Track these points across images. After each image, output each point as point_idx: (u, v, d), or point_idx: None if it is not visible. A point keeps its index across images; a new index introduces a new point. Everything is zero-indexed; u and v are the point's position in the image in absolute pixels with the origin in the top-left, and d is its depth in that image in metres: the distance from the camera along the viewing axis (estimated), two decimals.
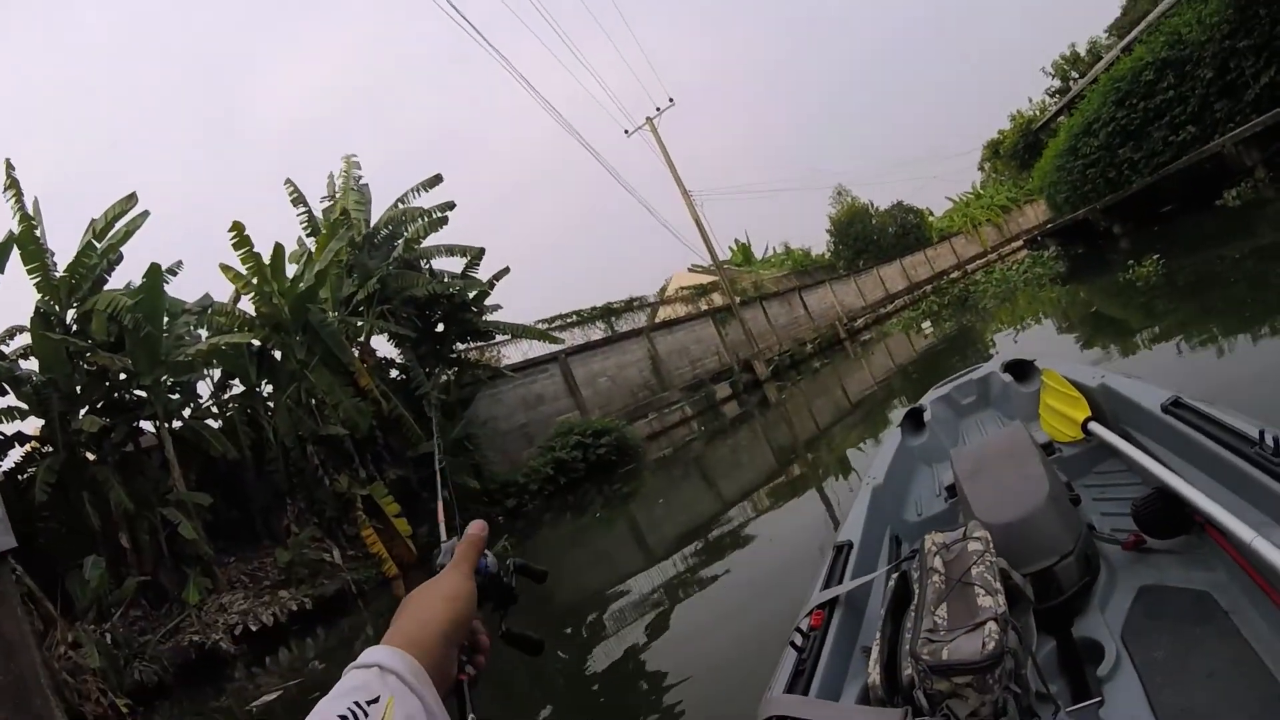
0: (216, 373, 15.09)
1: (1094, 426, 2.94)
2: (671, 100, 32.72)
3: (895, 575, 2.12)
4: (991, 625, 1.63)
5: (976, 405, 4.44)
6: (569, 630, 6.80)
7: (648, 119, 32.13)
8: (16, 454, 12.69)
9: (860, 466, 8.57)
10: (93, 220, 13.10)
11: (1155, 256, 11.26)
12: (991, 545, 1.92)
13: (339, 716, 0.68)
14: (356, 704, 0.70)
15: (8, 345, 12.95)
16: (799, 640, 2.27)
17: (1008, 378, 4.21)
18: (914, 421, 4.28)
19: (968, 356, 13.05)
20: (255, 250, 13.83)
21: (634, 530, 11.32)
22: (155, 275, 12.23)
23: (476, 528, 1.05)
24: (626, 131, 33.20)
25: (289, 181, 17.29)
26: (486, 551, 1.06)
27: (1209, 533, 1.99)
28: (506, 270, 18.95)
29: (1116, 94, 19.11)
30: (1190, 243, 13.18)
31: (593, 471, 17.77)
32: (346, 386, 14.48)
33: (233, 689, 9.38)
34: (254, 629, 11.18)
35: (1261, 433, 2.02)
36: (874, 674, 1.83)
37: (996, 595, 1.73)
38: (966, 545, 1.94)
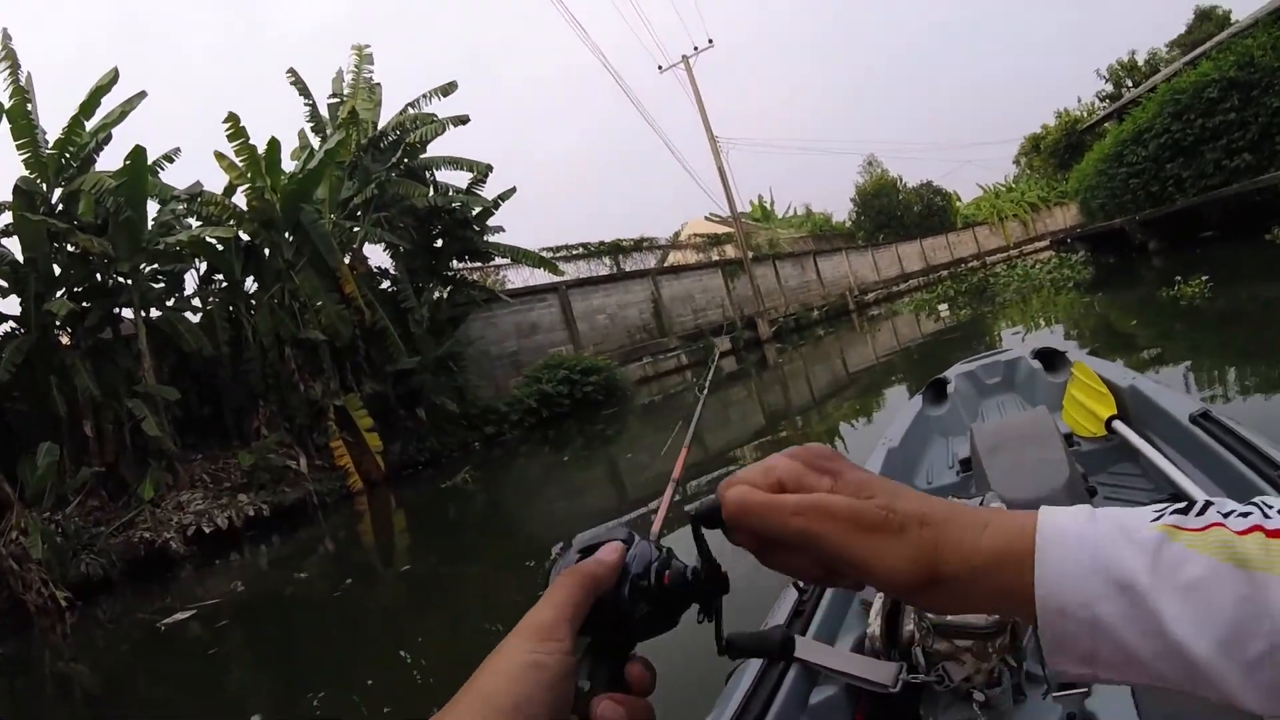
0: (205, 265, 14.86)
1: (1118, 425, 2.95)
2: (711, 41, 32.17)
3: None
4: None
5: (1000, 387, 4.44)
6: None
7: (683, 57, 31.54)
8: None
9: (853, 444, 8.72)
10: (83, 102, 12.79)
11: (1203, 278, 10.92)
12: None
13: None
14: None
15: None
16: (800, 581, 2.19)
17: (1036, 364, 4.21)
18: (936, 392, 4.30)
19: (973, 348, 12.87)
20: (251, 143, 13.59)
21: (611, 473, 11.21)
22: (139, 158, 11.96)
23: (609, 554, 0.62)
24: (660, 67, 32.63)
25: (291, 71, 16.90)
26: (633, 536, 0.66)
27: None
28: (513, 191, 18.72)
29: (1175, 106, 18.57)
30: (1232, 271, 12.83)
31: (577, 408, 17.79)
32: (332, 292, 14.35)
33: (175, 590, 9.36)
34: (207, 530, 11.19)
35: None
36: (875, 625, 1.86)
37: None
38: None
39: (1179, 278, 11.34)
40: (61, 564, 9.61)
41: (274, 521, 12.03)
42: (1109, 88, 45.03)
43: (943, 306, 22.82)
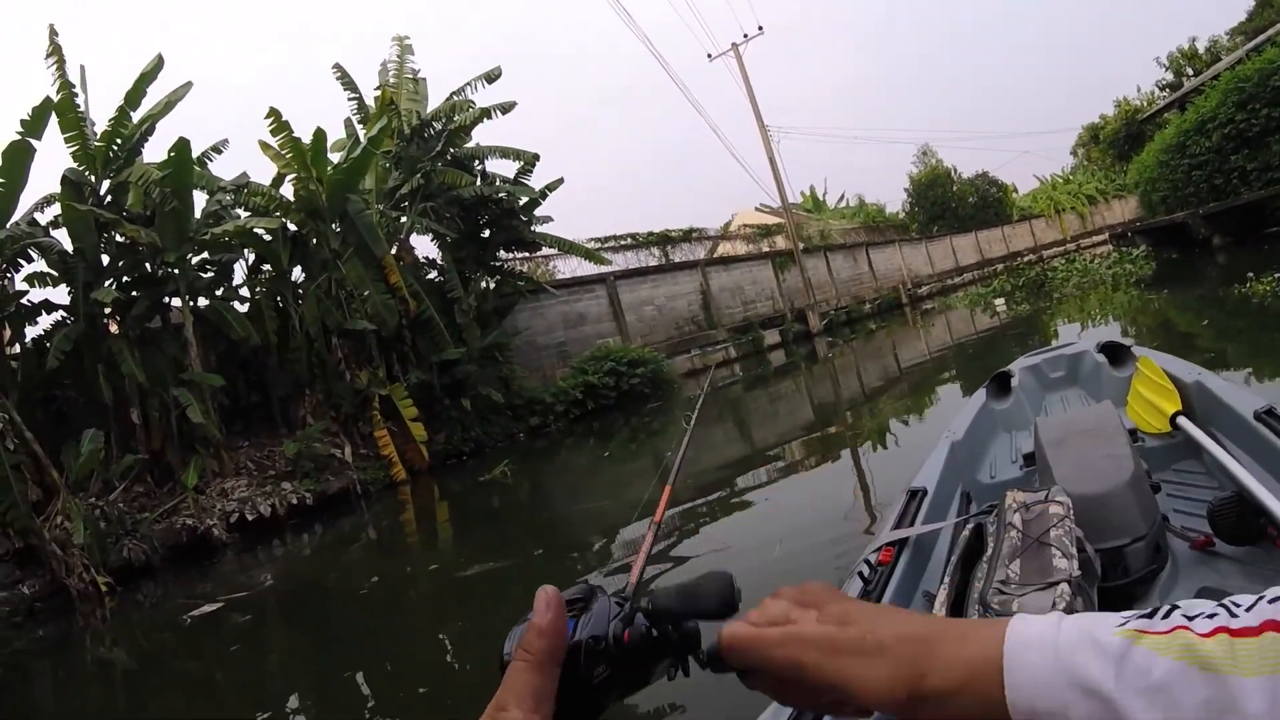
0: (253, 256, 15.05)
1: (1183, 421, 2.92)
2: (761, 29, 31.84)
3: (970, 527, 2.17)
4: (1064, 587, 1.68)
5: (1065, 381, 4.47)
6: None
7: (733, 45, 31.36)
8: (47, 322, 12.89)
9: (904, 439, 8.65)
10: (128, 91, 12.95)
11: (1276, 275, 10.64)
12: (1072, 513, 1.96)
13: None
14: None
15: (42, 213, 13.10)
16: (865, 572, 2.33)
17: (1101, 358, 4.22)
18: (1000, 385, 4.31)
19: (1031, 345, 12.64)
20: (295, 136, 13.74)
21: (654, 466, 11.11)
22: (184, 150, 12.13)
23: (541, 613, 0.57)
24: (710, 55, 32.40)
25: (337, 66, 17.12)
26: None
27: None
28: (561, 181, 18.69)
29: (1240, 95, 18.22)
30: None
31: (623, 400, 17.76)
32: (378, 281, 14.45)
33: (216, 576, 9.47)
34: (250, 518, 11.32)
35: None
36: (939, 616, 1.81)
37: (1071, 560, 1.77)
38: (1048, 507, 1.99)
39: (1251, 275, 11.06)
40: (103, 549, 9.78)
41: (317, 510, 12.15)
42: (1169, 76, 44.24)
43: (999, 301, 22.48)
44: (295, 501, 11.94)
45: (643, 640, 0.61)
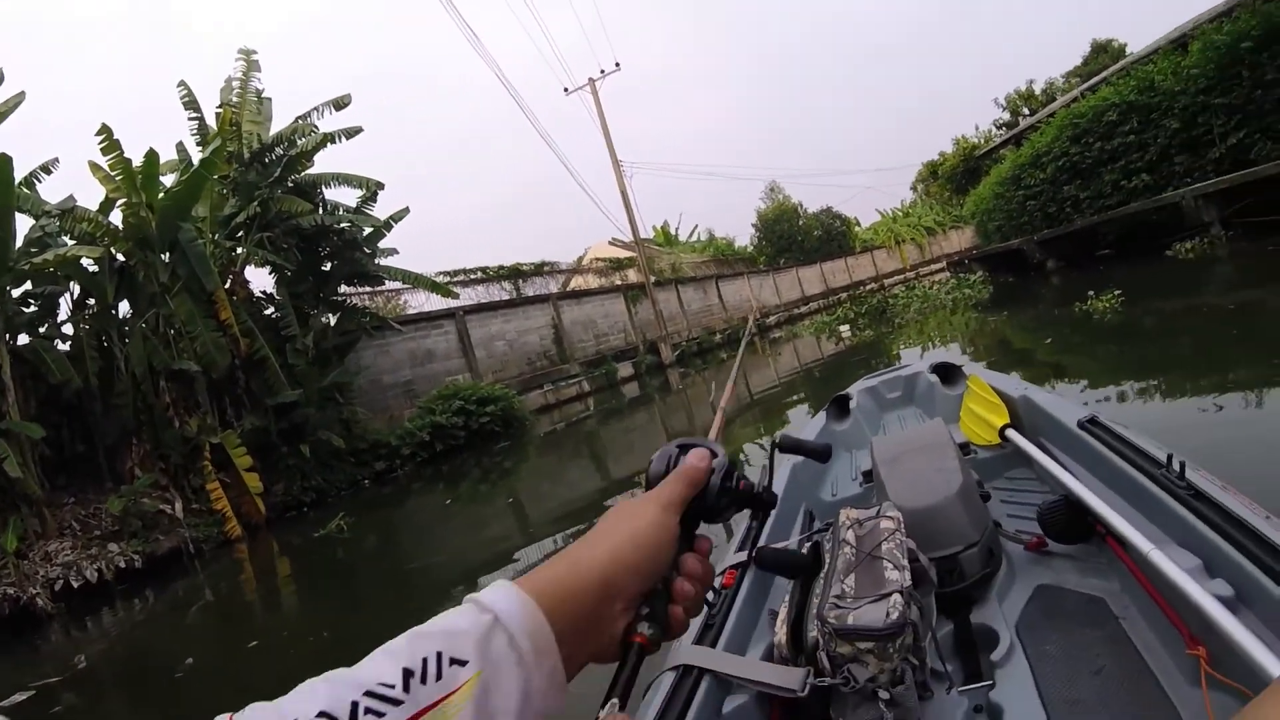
0: (78, 288, 14.00)
1: (1011, 433, 3.15)
2: (618, 65, 32.54)
3: (809, 544, 2.20)
4: (896, 597, 1.75)
5: (901, 401, 4.72)
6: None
7: (590, 79, 31.88)
8: None
9: (754, 458, 8.68)
10: None
11: (1116, 292, 11.37)
12: (903, 526, 2.05)
13: (405, 669, 0.58)
14: (439, 656, 0.59)
15: None
16: (710, 597, 2.34)
17: (934, 378, 4.48)
18: (839, 408, 4.54)
19: (874, 368, 13.01)
20: (126, 156, 12.91)
21: (508, 510, 10.85)
22: (5, 168, 11.26)
23: (696, 458, 0.87)
24: (566, 90, 32.98)
25: (182, 83, 16.22)
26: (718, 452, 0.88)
27: (1109, 543, 2.16)
28: (406, 211, 18.29)
29: (1074, 130, 19.81)
30: (1135, 287, 13.27)
31: (473, 440, 17.53)
32: (209, 318, 13.67)
33: (46, 652, 8.68)
34: (76, 584, 10.45)
35: (1170, 456, 2.16)
36: (780, 633, 1.96)
37: (903, 571, 1.85)
38: (879, 523, 2.07)
39: (1091, 293, 11.80)
40: None
41: (147, 573, 11.40)
42: (1006, 116, 46.96)
43: (844, 328, 23.28)
44: (123, 565, 11.15)
45: (749, 489, 0.89)
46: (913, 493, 2.35)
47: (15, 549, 10.63)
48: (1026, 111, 44.13)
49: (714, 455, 0.87)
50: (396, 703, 0.55)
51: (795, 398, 13.01)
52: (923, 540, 2.11)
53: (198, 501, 12.92)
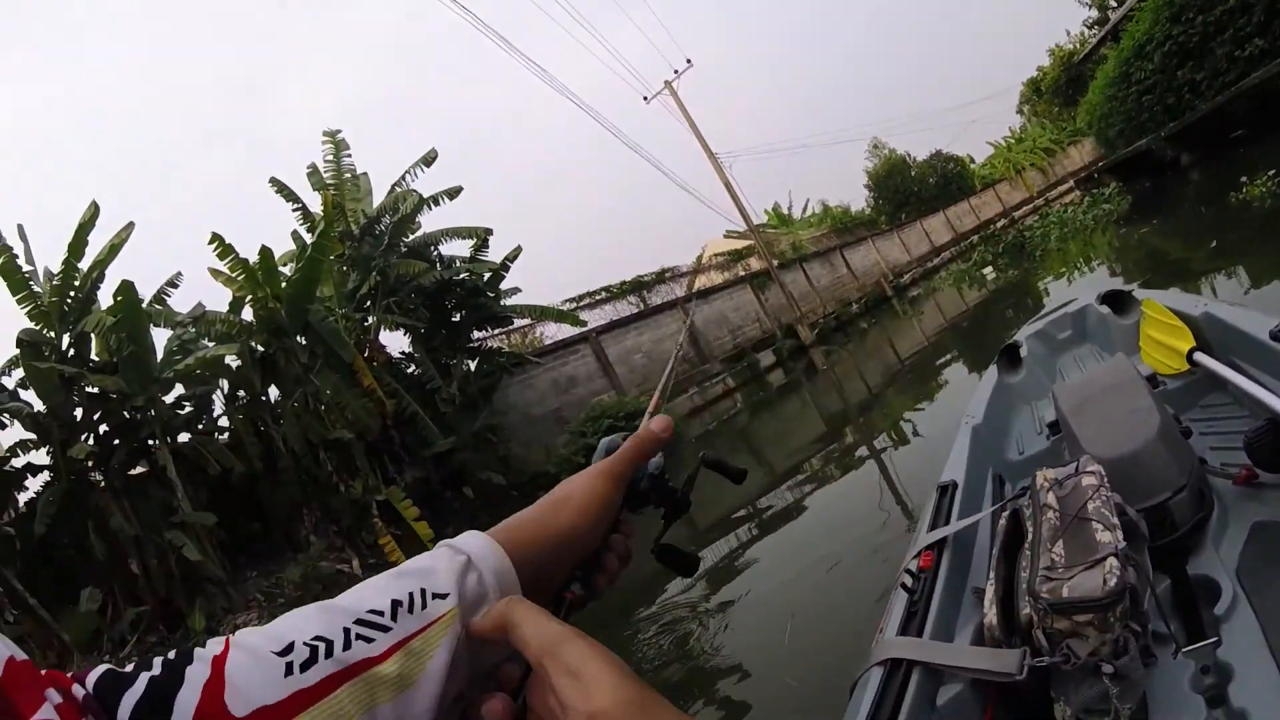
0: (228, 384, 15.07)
1: (1200, 357, 2.91)
2: (690, 62, 32.47)
3: (1006, 514, 2.19)
4: (1112, 561, 1.68)
5: (1073, 340, 4.45)
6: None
7: (666, 83, 31.87)
8: (36, 484, 12.87)
9: (923, 428, 8.65)
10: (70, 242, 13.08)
11: (1270, 173, 10.45)
12: (1106, 480, 1.96)
13: (393, 600, 0.65)
14: (422, 591, 0.67)
15: (10, 376, 13.17)
16: (909, 582, 2.32)
17: (1105, 310, 4.19)
18: (1009, 359, 4.32)
19: (1027, 310, 12.61)
20: (242, 257, 13.84)
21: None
22: (128, 292, 12.29)
23: (658, 424, 0.92)
24: (646, 98, 32.99)
25: (274, 180, 16.85)
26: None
27: None
28: (519, 250, 18.90)
29: (1171, 9, 18.13)
30: None
31: None
32: (354, 387, 14.52)
33: None
34: None
35: None
36: (990, 614, 1.89)
37: (1115, 530, 1.77)
38: (1080, 480, 1.98)
39: (1244, 179, 10.97)
40: None
41: None
42: (1094, 13, 44.52)
43: (987, 270, 22.49)
44: None
45: (670, 488, 0.94)
46: (1108, 440, 2.24)
47: (204, 627, 11.49)
48: (1114, 3, 41.99)
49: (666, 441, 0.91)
50: (385, 629, 0.63)
51: (948, 357, 12.72)
52: (1126, 491, 2.00)
53: (373, 557, 13.62)
